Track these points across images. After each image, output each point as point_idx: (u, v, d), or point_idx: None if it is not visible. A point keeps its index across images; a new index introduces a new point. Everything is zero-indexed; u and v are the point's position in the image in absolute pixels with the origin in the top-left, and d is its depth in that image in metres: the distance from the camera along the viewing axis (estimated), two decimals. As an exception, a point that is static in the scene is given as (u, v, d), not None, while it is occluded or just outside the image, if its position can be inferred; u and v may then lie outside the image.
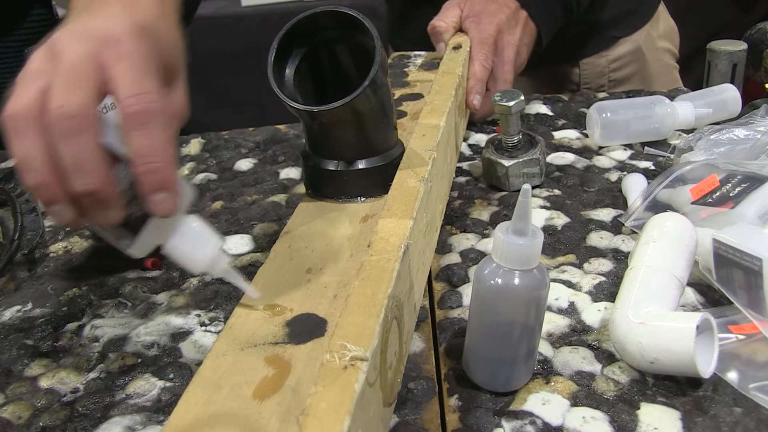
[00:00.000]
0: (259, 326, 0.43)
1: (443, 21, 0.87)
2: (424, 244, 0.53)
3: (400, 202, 0.49)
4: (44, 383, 0.53)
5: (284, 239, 0.53)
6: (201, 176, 0.84)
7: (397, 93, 0.82)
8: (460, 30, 0.87)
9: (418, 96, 0.81)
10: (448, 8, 0.88)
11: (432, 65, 0.91)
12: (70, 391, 0.52)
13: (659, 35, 1.11)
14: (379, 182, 0.55)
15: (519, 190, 0.74)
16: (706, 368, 0.47)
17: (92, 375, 0.53)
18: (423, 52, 0.97)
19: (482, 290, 0.46)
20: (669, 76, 1.12)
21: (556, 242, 0.66)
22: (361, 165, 0.55)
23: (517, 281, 0.44)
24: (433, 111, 0.64)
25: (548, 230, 0.68)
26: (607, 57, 1.07)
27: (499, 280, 0.45)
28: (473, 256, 0.64)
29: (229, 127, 0.98)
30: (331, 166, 0.55)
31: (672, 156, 0.79)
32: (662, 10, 1.12)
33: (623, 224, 0.67)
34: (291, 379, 0.39)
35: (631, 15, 1.08)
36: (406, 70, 0.92)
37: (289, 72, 0.53)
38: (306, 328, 0.43)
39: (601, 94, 0.99)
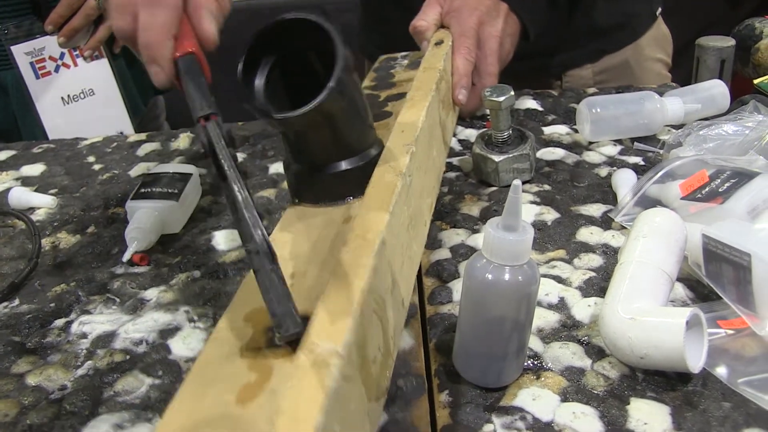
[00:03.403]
0: (242, 334, 0.43)
1: (424, 20, 0.86)
2: (410, 239, 0.53)
3: (377, 198, 0.48)
4: (31, 380, 0.52)
5: None
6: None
7: (383, 95, 0.81)
8: (442, 26, 0.87)
9: (403, 95, 0.81)
10: (428, 6, 0.87)
11: (418, 64, 0.90)
12: (57, 389, 0.51)
13: (649, 44, 1.07)
14: (360, 183, 0.55)
15: (509, 186, 0.74)
16: (695, 363, 0.47)
17: (80, 372, 0.53)
18: (409, 53, 0.97)
19: (473, 286, 0.46)
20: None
21: (546, 237, 0.66)
22: (340, 167, 0.54)
23: (507, 277, 0.44)
24: (412, 107, 0.63)
25: (538, 226, 0.67)
26: (592, 69, 1.06)
27: (490, 276, 0.44)
28: (463, 252, 0.64)
29: (218, 121, 0.97)
30: (311, 171, 0.54)
31: (661, 151, 0.79)
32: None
33: (613, 219, 0.67)
34: (272, 382, 0.39)
35: (621, 30, 1.05)
36: (392, 71, 0.91)
37: (258, 82, 0.52)
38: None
39: (591, 90, 0.99)
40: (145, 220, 0.67)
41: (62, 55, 1.06)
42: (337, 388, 0.33)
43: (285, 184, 0.78)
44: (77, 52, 1.07)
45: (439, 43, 0.82)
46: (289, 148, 0.55)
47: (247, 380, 0.38)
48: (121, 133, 1.14)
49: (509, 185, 0.75)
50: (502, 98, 0.71)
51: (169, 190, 0.70)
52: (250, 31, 0.51)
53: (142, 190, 0.71)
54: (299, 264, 0.49)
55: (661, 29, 1.10)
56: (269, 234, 0.50)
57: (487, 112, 0.88)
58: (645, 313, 0.48)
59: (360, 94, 0.54)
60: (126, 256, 0.64)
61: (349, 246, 0.43)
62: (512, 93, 0.72)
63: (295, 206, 0.56)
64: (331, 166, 0.54)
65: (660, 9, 1.08)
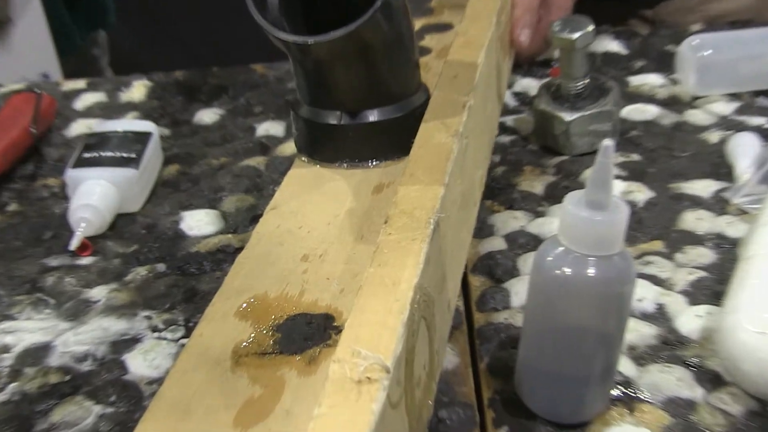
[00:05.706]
0: (239, 333, 0.43)
1: None
2: (460, 223, 0.53)
3: (427, 164, 0.48)
4: (-66, 409, 0.52)
5: (270, 217, 0.53)
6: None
7: (418, 23, 0.82)
8: None
9: (446, 27, 0.81)
10: None
11: None
12: (-29, 420, 0.52)
13: None
14: (396, 140, 0.55)
15: (583, 154, 0.74)
16: None
17: (2, 398, 0.53)
18: None
19: (543, 283, 0.46)
20: None
21: (636, 224, 0.66)
22: (371, 117, 0.55)
23: (592, 271, 0.44)
24: (467, 44, 0.64)
25: (626, 208, 0.67)
26: None
27: (568, 270, 0.44)
28: (523, 241, 0.64)
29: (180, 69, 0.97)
30: (332, 118, 0.55)
31: (795, 110, 0.78)
32: None
33: (729, 201, 0.67)
34: (285, 400, 0.39)
35: None
36: (429, -7, 0.91)
37: None
38: (302, 334, 0.43)
39: (695, 27, 0.99)
40: (96, 195, 0.67)
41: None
42: (383, 416, 0.32)
43: (278, 150, 0.78)
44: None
45: None
46: (304, 85, 0.55)
47: (249, 396, 0.38)
48: (46, 75, 1.14)
49: (586, 153, 0.75)
50: (576, 35, 0.71)
51: (124, 155, 0.71)
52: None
53: (86, 155, 0.71)
54: (313, 243, 0.49)
55: None
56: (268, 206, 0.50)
57: (555, 54, 0.88)
58: (781, 326, 0.48)
59: (409, 22, 0.54)
60: (74, 244, 0.64)
61: (393, 226, 0.43)
62: (591, 27, 0.71)
63: (303, 165, 0.56)
64: (360, 115, 0.54)
65: None
